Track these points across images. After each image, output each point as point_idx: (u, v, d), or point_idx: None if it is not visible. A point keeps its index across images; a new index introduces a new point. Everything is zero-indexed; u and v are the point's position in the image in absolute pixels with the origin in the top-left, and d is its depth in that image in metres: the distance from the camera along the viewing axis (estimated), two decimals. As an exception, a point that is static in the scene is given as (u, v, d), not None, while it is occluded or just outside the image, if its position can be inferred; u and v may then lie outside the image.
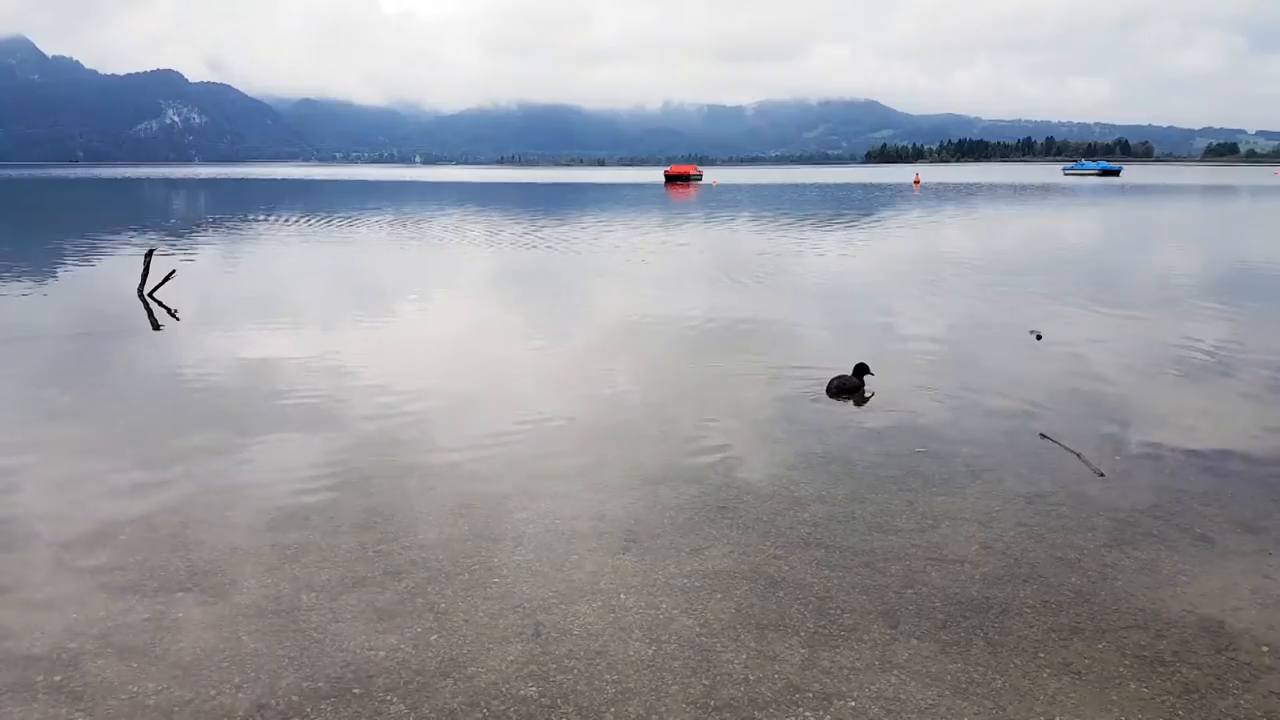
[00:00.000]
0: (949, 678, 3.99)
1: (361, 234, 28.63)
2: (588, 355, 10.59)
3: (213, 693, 3.89)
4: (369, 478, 6.43)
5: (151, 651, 4.20)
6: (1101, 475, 6.44)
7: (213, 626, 4.42)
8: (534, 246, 24.15)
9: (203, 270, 19.27)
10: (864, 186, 79.00)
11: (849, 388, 8.66)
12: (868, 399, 8.55)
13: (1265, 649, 4.22)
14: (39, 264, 20.05)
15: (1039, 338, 11.22)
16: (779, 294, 15.42)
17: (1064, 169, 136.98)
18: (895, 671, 4.03)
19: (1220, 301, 14.44)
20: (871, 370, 8.79)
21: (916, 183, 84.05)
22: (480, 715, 3.75)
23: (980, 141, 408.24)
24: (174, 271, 15.84)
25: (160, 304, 14.26)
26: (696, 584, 4.84)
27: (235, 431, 7.53)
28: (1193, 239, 28.42)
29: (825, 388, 8.74)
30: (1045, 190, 66.58)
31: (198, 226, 31.72)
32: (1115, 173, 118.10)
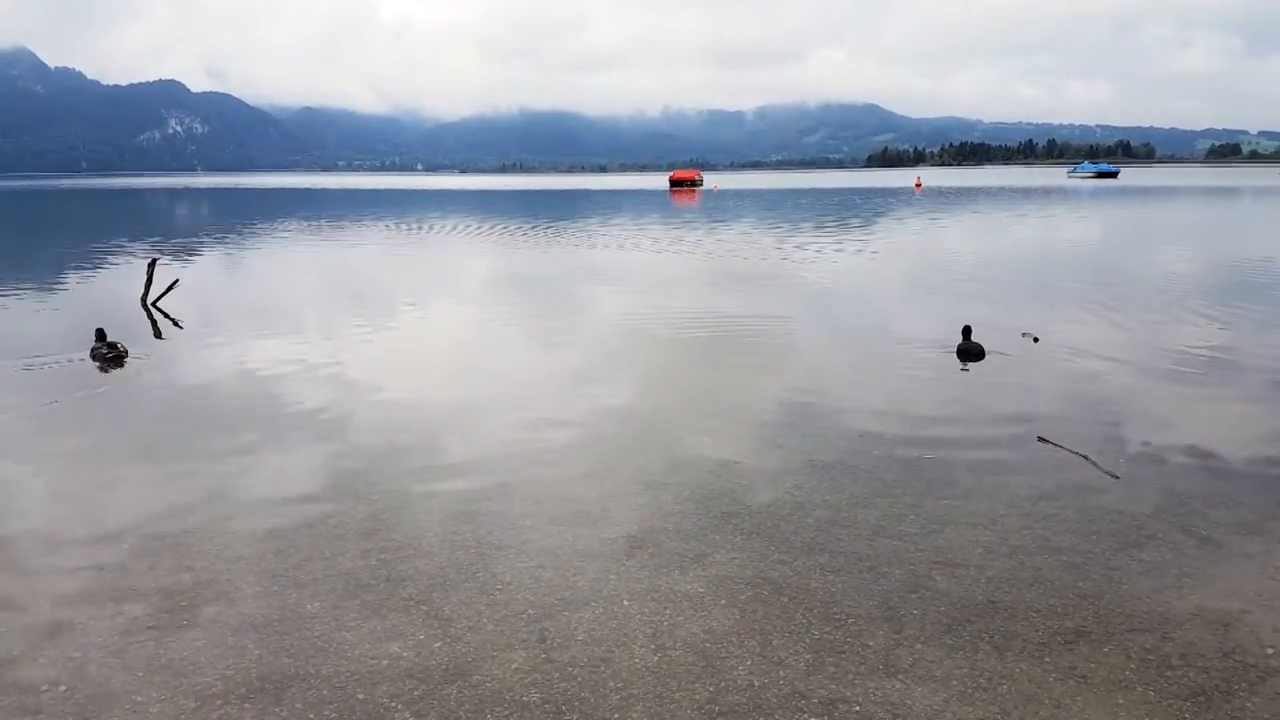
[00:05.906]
0: (954, 682, 3.97)
1: (368, 241, 28.68)
2: (591, 359, 10.59)
3: (218, 702, 3.89)
4: (372, 485, 6.44)
5: (155, 661, 4.20)
6: (1116, 478, 6.42)
7: (217, 635, 4.42)
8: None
9: (206, 280, 19.32)
10: (865, 191, 79.02)
11: (974, 351, 10.22)
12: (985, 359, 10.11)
13: (1271, 651, 4.20)
14: (43, 274, 20.10)
15: (1035, 340, 11.20)
16: (779, 297, 15.41)
17: (1068, 171, 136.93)
18: (900, 676, 4.02)
19: (1222, 304, 14.41)
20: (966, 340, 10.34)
21: (918, 186, 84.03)
22: (485, 723, 3.74)
23: (982, 144, 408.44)
24: (177, 281, 15.87)
25: (164, 313, 14.29)
26: (701, 590, 4.84)
27: (238, 440, 7.54)
28: (1194, 241, 28.37)
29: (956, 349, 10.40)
30: (1047, 194, 66.53)
31: (201, 236, 31.79)
32: (1113, 175, 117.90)
